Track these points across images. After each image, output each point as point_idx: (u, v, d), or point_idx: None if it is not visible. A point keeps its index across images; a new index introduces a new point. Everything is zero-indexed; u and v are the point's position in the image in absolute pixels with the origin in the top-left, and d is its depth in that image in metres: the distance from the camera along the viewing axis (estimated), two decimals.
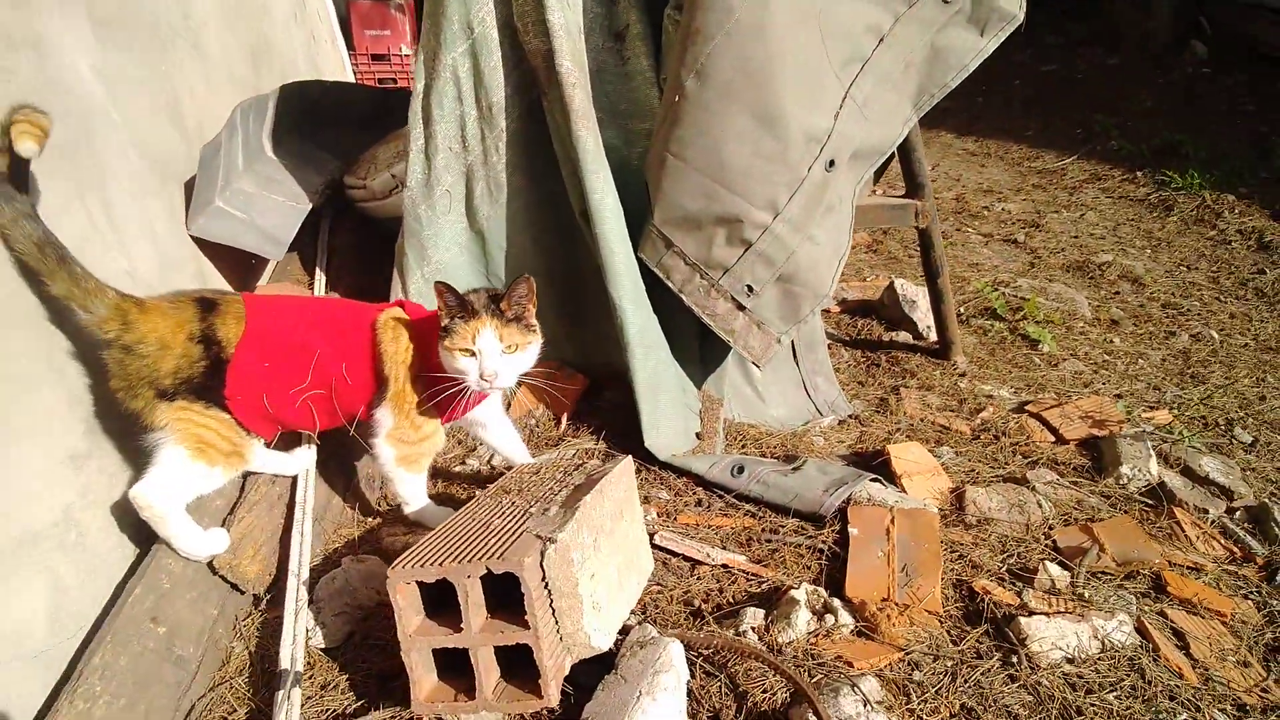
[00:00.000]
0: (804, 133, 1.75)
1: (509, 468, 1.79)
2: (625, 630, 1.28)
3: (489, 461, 1.92)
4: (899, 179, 2.34)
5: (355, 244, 2.57)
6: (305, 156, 2.63)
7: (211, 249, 2.01)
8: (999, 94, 5.43)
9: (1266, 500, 1.83)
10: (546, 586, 1.11)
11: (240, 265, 2.21)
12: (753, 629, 1.35)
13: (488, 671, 1.13)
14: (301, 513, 1.50)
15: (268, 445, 1.48)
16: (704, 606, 1.44)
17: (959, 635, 1.38)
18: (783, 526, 1.66)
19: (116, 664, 1.15)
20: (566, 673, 1.15)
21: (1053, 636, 1.36)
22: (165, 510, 1.29)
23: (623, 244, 1.83)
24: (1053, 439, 2.04)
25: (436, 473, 1.82)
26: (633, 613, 1.37)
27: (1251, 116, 4.68)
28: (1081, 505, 1.79)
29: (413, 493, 1.56)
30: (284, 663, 1.23)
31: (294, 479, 1.60)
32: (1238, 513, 1.82)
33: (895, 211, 2.20)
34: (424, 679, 1.15)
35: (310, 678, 1.27)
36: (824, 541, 1.60)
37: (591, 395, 2.08)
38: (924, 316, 2.57)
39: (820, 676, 1.24)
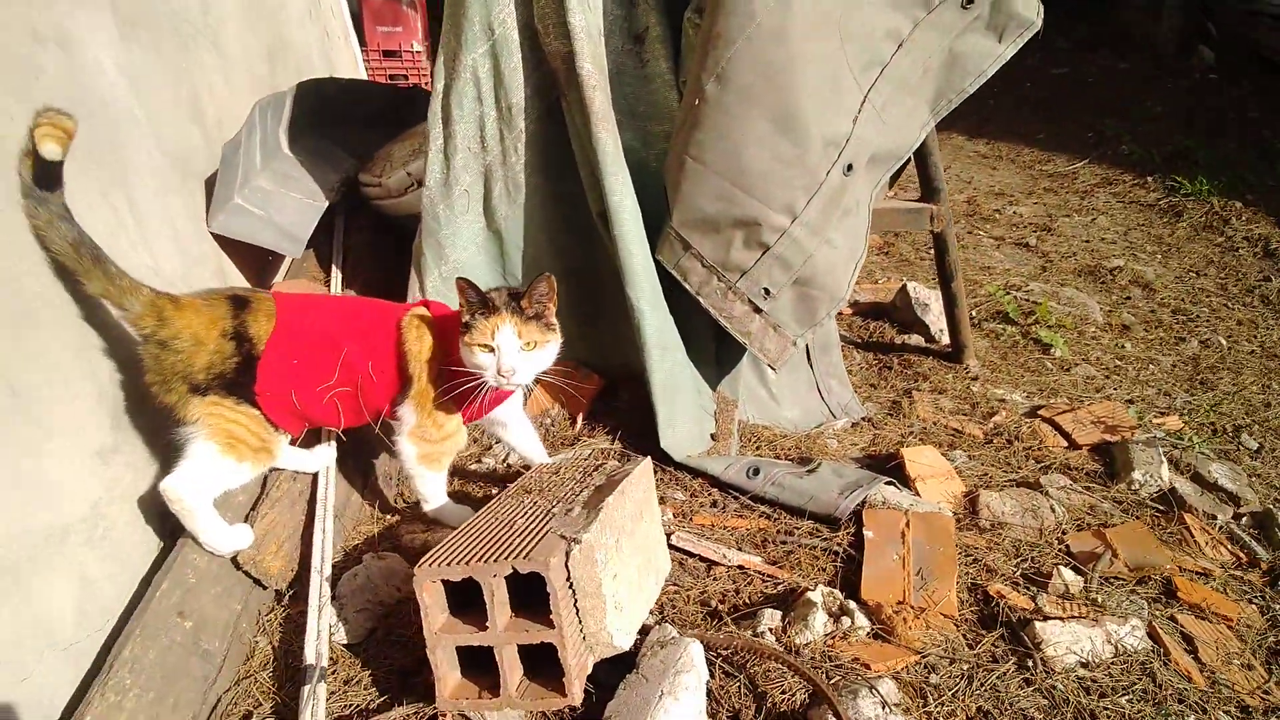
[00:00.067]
0: (823, 137, 1.76)
1: (526, 467, 1.81)
2: (645, 630, 1.29)
3: (505, 460, 1.94)
4: (909, 180, 2.35)
5: (370, 241, 2.59)
6: (321, 154, 2.64)
7: (230, 246, 2.03)
8: (1010, 97, 5.43)
9: (1271, 506, 1.85)
10: (571, 586, 1.12)
11: (257, 262, 2.22)
12: (770, 630, 1.37)
13: (512, 669, 1.14)
14: (323, 509, 1.52)
15: (293, 442, 1.50)
16: (720, 607, 1.46)
17: (974, 639, 1.39)
18: (798, 528, 1.67)
19: (145, 657, 1.17)
20: (589, 671, 1.17)
21: (1067, 641, 1.37)
22: (194, 504, 1.31)
23: (641, 246, 1.84)
24: (1065, 444, 2.05)
25: (453, 471, 1.84)
26: (651, 613, 1.38)
27: (1257, 123, 4.69)
28: (1094, 510, 1.80)
29: (433, 491, 1.57)
30: (309, 658, 1.25)
31: (314, 476, 1.61)
32: (1244, 518, 1.83)
33: (911, 215, 2.21)
34: (448, 676, 1.16)
35: (334, 673, 1.28)
36: (839, 544, 1.61)
37: (607, 395, 2.10)
38: (936, 319, 2.58)
39: (838, 678, 1.25)
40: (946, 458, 1.90)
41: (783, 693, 1.23)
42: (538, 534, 1.19)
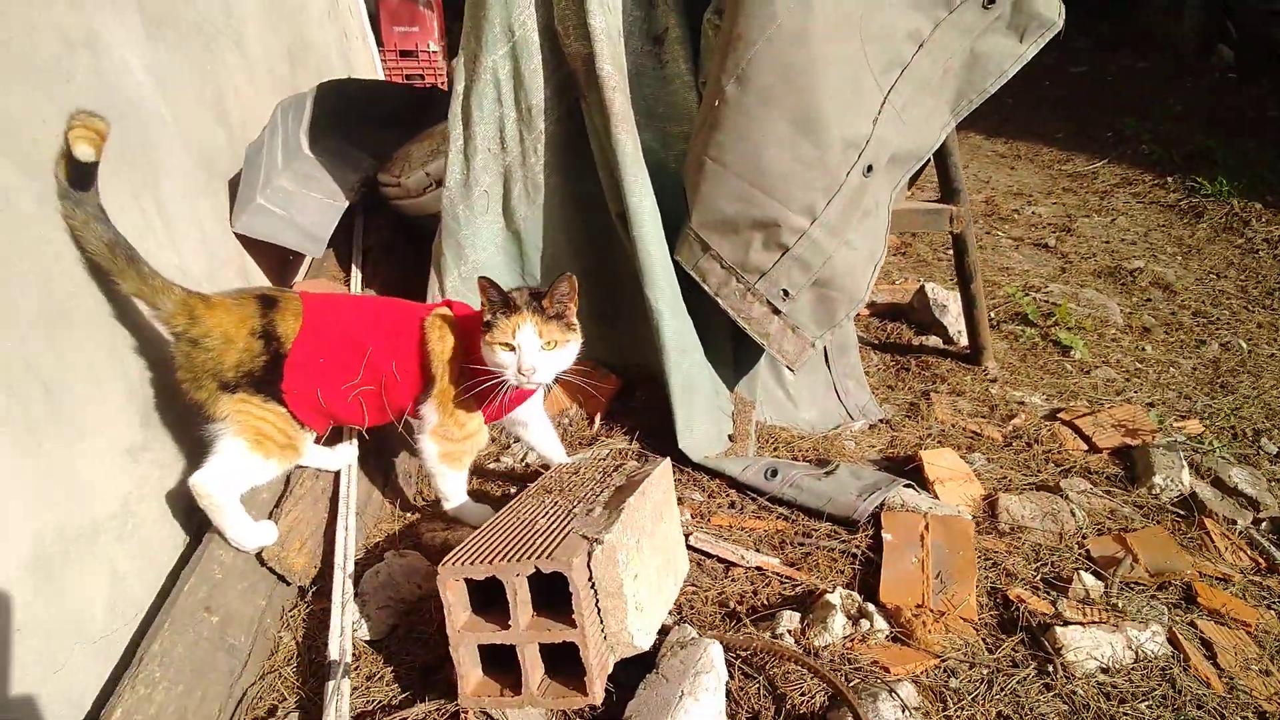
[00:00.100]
0: (843, 138, 1.76)
1: (544, 466, 1.82)
2: (664, 630, 1.30)
3: (523, 459, 1.95)
4: (926, 181, 2.34)
5: (389, 241, 2.61)
6: (340, 154, 2.66)
7: (253, 245, 2.05)
8: (1029, 96, 5.39)
9: None
10: (593, 586, 1.13)
11: (278, 262, 2.25)
12: (789, 632, 1.37)
13: (534, 668, 1.15)
14: (345, 507, 1.54)
15: (318, 440, 1.52)
16: (739, 608, 1.46)
17: (994, 643, 1.39)
18: (816, 530, 1.67)
19: (174, 651, 1.19)
20: (610, 671, 1.17)
21: (1088, 646, 1.37)
22: (222, 500, 1.33)
23: (660, 246, 1.84)
24: (1085, 447, 2.04)
25: (471, 469, 1.85)
26: (669, 613, 1.39)
27: (1277, 123, 4.64)
28: (1115, 515, 1.79)
29: (453, 489, 1.59)
30: (333, 654, 1.26)
31: (336, 474, 1.63)
32: (1263, 523, 1.82)
33: (930, 216, 2.20)
34: (471, 673, 1.17)
35: (357, 669, 1.30)
36: (857, 546, 1.61)
37: (624, 395, 2.11)
38: (955, 321, 2.57)
39: (857, 681, 1.25)
40: (965, 460, 1.90)
41: (802, 694, 1.23)
42: (559, 534, 1.20)
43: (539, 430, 1.68)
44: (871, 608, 1.41)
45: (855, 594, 1.46)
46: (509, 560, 1.13)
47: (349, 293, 2.25)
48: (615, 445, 1.93)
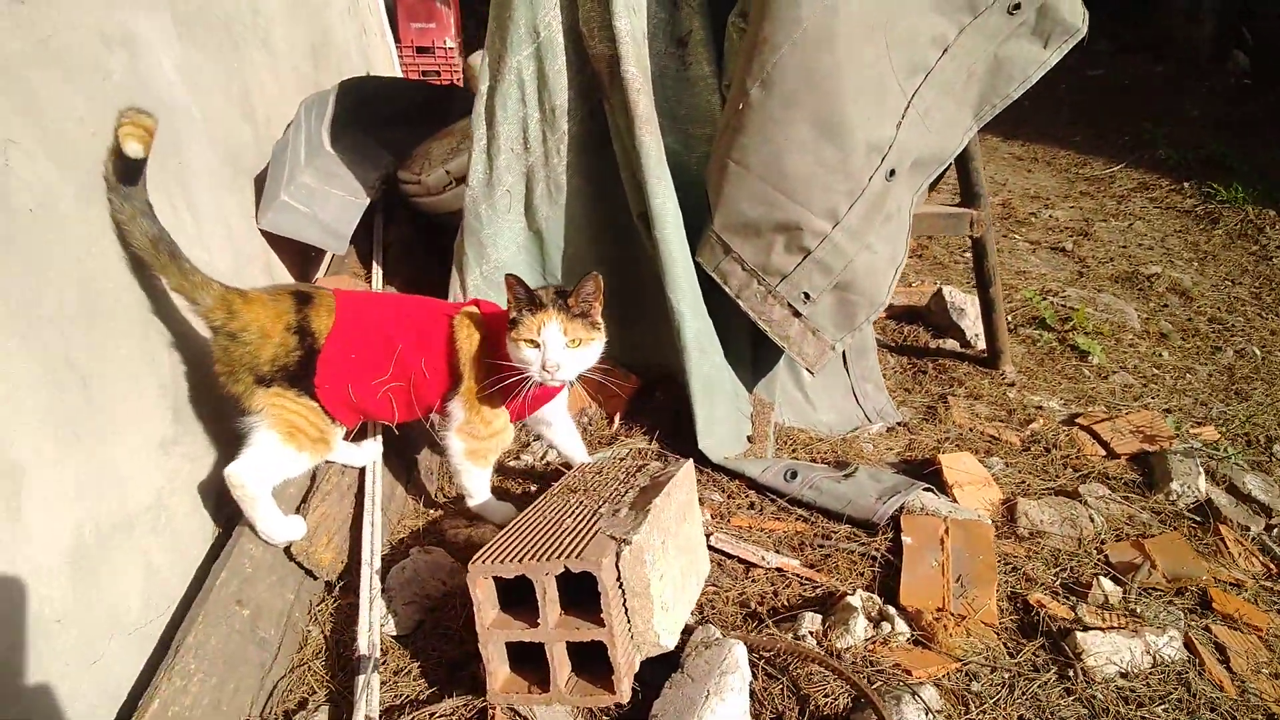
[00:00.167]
0: (866, 142, 1.76)
1: (564, 464, 1.83)
2: (688, 630, 1.31)
3: (543, 457, 1.97)
4: (943, 183, 2.34)
5: (408, 238, 2.62)
6: (361, 151, 2.68)
7: (276, 242, 2.07)
8: (1046, 98, 5.36)
9: None
10: (621, 586, 1.14)
11: (300, 258, 2.27)
12: (811, 633, 1.38)
13: (561, 666, 1.17)
14: (371, 503, 1.56)
15: (347, 435, 1.54)
16: (759, 609, 1.47)
17: (1015, 648, 1.40)
18: (835, 532, 1.68)
19: (208, 644, 1.21)
20: (636, 670, 1.19)
21: (1107, 651, 1.38)
22: (256, 491, 1.35)
23: (682, 249, 1.85)
24: (1103, 453, 2.04)
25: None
26: (691, 613, 1.40)
27: None
28: (1133, 520, 1.79)
29: (477, 486, 1.61)
30: (362, 649, 1.28)
31: (361, 470, 1.65)
32: (1275, 529, 1.83)
33: (950, 220, 2.21)
34: (499, 670, 1.19)
35: (384, 664, 1.32)
36: (877, 549, 1.62)
37: (643, 395, 2.12)
38: (972, 324, 2.57)
39: (880, 683, 1.26)
40: (984, 464, 1.90)
41: (826, 696, 1.24)
42: (587, 534, 1.21)
43: (562, 429, 1.70)
44: (892, 610, 1.43)
45: (876, 597, 1.47)
46: (538, 559, 1.15)
47: (371, 290, 2.27)
48: (635, 445, 1.95)
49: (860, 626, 1.37)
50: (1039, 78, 1.84)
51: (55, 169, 1.20)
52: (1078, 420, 2.16)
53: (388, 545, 1.60)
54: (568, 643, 1.17)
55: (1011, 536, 1.70)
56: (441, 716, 1.21)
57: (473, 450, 1.54)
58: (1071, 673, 1.34)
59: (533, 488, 1.86)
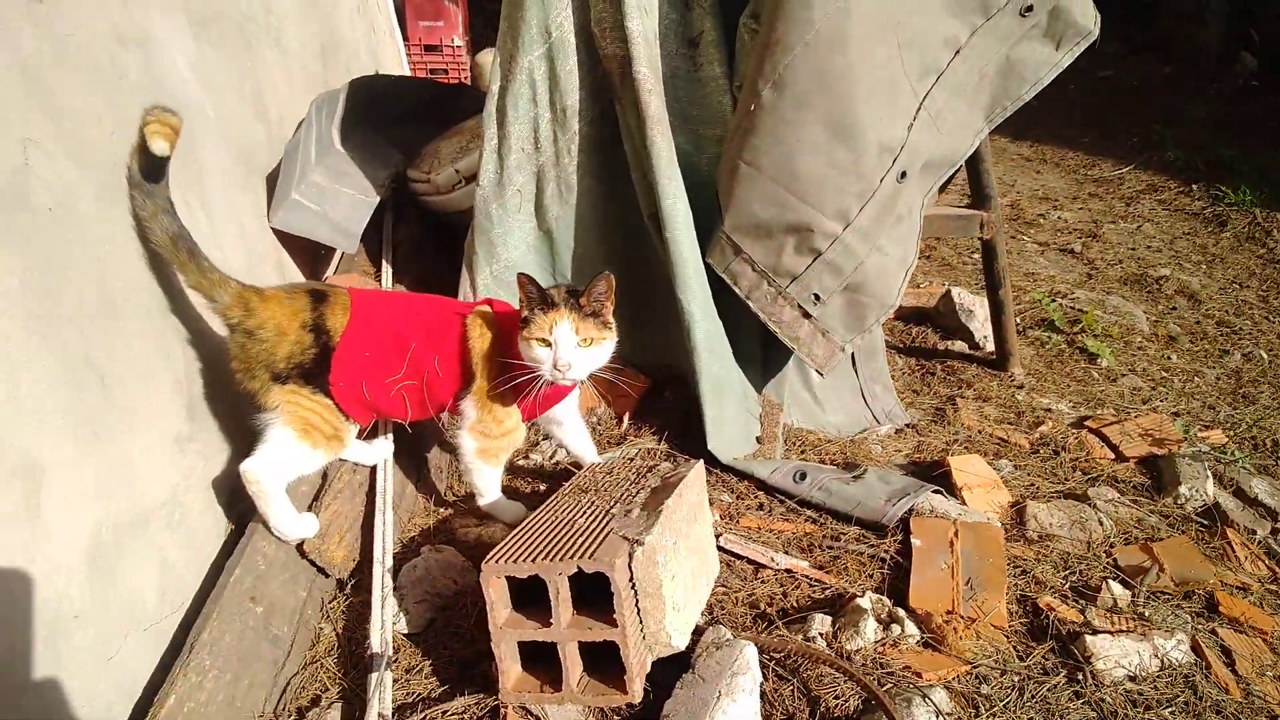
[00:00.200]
0: (878, 144, 1.76)
1: (573, 464, 1.84)
2: (698, 631, 1.32)
3: (551, 456, 1.97)
4: (952, 185, 2.34)
5: (417, 237, 2.63)
6: (370, 149, 2.69)
7: (287, 240, 2.08)
8: (1055, 99, 5.34)
9: None
10: (634, 587, 1.15)
11: (311, 256, 2.28)
12: (821, 635, 1.38)
13: (573, 665, 1.17)
14: (383, 502, 1.56)
15: (360, 433, 1.54)
16: (769, 610, 1.48)
17: (1025, 651, 1.40)
18: (844, 534, 1.69)
19: (222, 640, 1.22)
20: (648, 670, 1.19)
21: (1117, 655, 1.38)
22: (270, 486, 1.36)
23: (692, 249, 1.86)
24: (1112, 456, 2.04)
25: None
26: (701, 614, 1.41)
27: None
28: (1141, 524, 1.79)
29: (488, 485, 1.61)
30: (375, 647, 1.29)
31: (372, 469, 1.66)
32: None
33: (960, 222, 2.21)
34: (511, 669, 1.20)
35: (396, 662, 1.33)
36: (886, 551, 1.62)
37: (652, 395, 2.12)
38: (981, 326, 2.57)
39: (890, 685, 1.27)
40: (992, 467, 1.90)
41: (836, 698, 1.24)
42: (599, 534, 1.22)
43: (573, 429, 1.71)
44: (902, 613, 1.43)
45: (885, 599, 1.47)
46: (551, 559, 1.15)
47: (381, 288, 2.28)
48: (643, 445, 1.95)
49: (870, 628, 1.37)
50: (1050, 80, 1.85)
51: (75, 168, 1.21)
52: (1087, 423, 2.16)
53: (398, 543, 1.60)
54: (579, 642, 1.18)
55: (1021, 539, 1.70)
56: (454, 714, 1.22)
57: (484, 449, 1.55)
58: (1081, 676, 1.34)
59: (542, 487, 1.87)
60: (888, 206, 1.82)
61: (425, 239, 2.64)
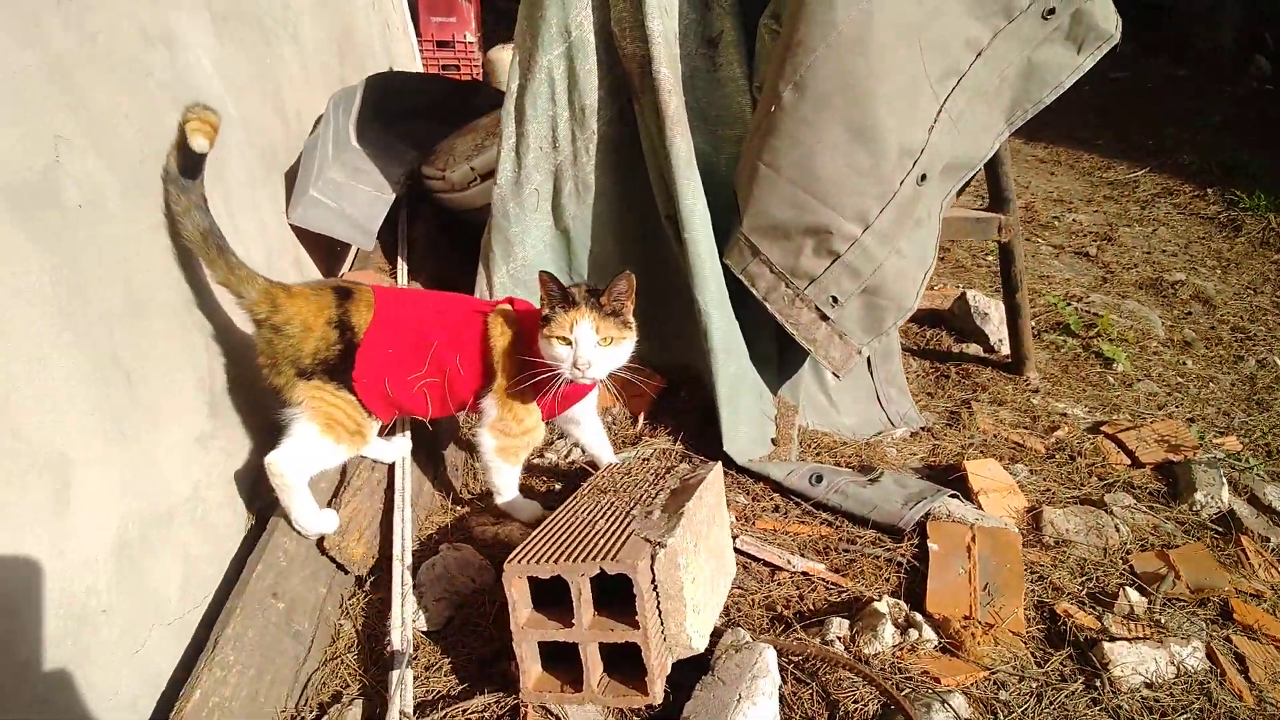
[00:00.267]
0: (899, 146, 1.76)
1: (588, 463, 1.84)
2: (716, 633, 1.32)
3: (566, 455, 1.98)
4: (968, 188, 2.33)
5: (431, 234, 2.64)
6: (386, 146, 2.69)
7: (304, 236, 2.09)
8: (1070, 100, 5.29)
9: None
10: (655, 589, 1.15)
11: (327, 253, 2.28)
12: (839, 639, 1.39)
13: (594, 666, 1.18)
14: (402, 499, 1.57)
15: (382, 429, 1.55)
16: (786, 612, 1.48)
17: (1043, 657, 1.40)
18: (860, 537, 1.69)
19: (246, 635, 1.22)
20: (669, 672, 1.20)
21: (1133, 662, 1.38)
22: (294, 480, 1.37)
23: (710, 250, 1.86)
24: (1128, 462, 2.03)
25: None
26: (718, 616, 1.41)
27: None
28: (1158, 530, 1.79)
29: (506, 483, 1.62)
30: (395, 644, 1.30)
31: (390, 466, 1.66)
32: None
33: (979, 225, 2.20)
34: (532, 669, 1.20)
35: (416, 659, 1.33)
36: (902, 555, 1.62)
37: (667, 395, 2.12)
38: (996, 329, 2.56)
39: (909, 691, 1.27)
40: (1008, 471, 1.90)
41: (855, 702, 1.25)
42: (620, 535, 1.22)
43: (590, 429, 1.71)
44: (919, 617, 1.43)
45: (902, 603, 1.47)
46: (574, 560, 1.16)
47: (396, 285, 2.29)
48: (659, 445, 1.96)
49: (888, 633, 1.38)
50: (1071, 84, 1.84)
51: (105, 167, 1.22)
52: (1102, 428, 2.15)
53: (416, 541, 1.61)
54: (600, 644, 1.18)
55: (1037, 545, 1.70)
56: (474, 713, 1.22)
57: (504, 447, 1.55)
58: (1098, 683, 1.34)
59: (557, 486, 1.87)
60: (907, 209, 1.81)
61: (439, 236, 2.65)
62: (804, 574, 1.58)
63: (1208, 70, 5.62)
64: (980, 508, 1.75)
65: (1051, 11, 1.78)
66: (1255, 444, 2.23)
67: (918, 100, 1.77)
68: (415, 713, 1.22)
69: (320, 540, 1.45)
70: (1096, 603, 1.55)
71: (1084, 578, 1.61)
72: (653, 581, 1.15)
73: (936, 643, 1.39)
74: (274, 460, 1.36)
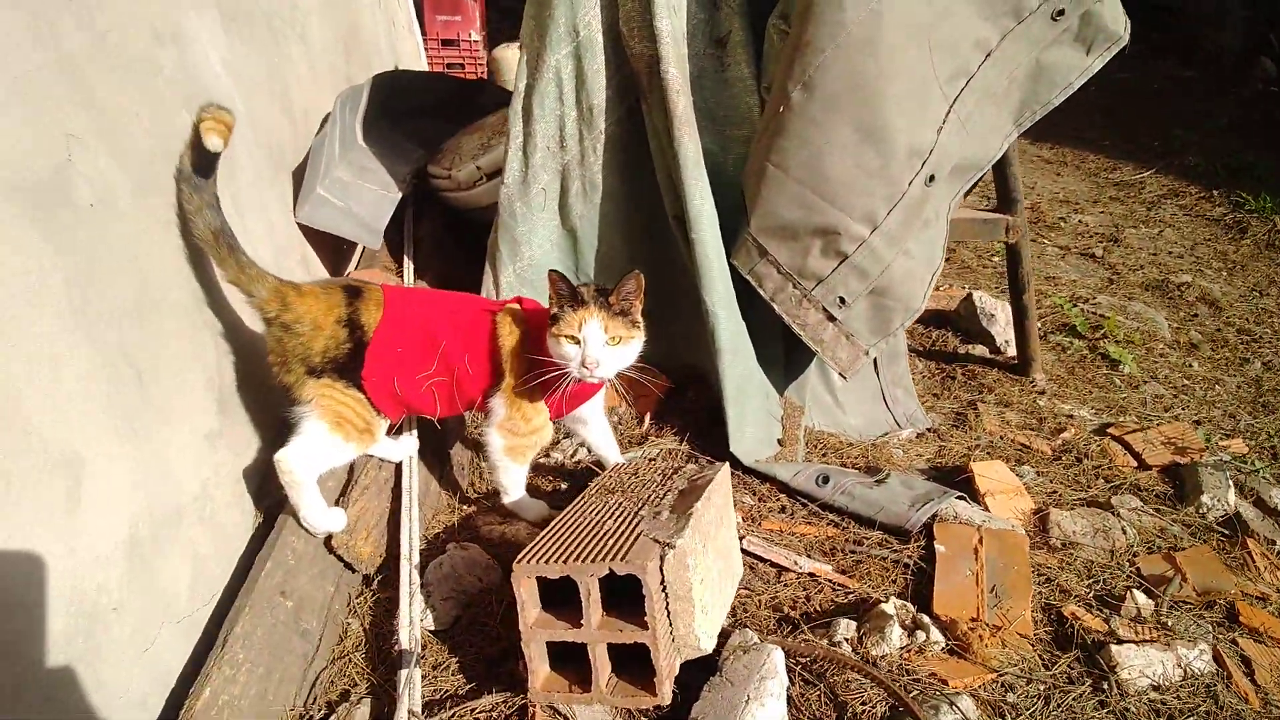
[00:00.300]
0: (907, 147, 1.75)
1: (595, 463, 1.85)
2: (723, 634, 1.32)
3: (573, 455, 1.98)
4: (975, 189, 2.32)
5: (437, 233, 2.64)
6: (392, 145, 2.69)
7: (310, 234, 2.09)
8: (1075, 101, 5.28)
9: None
10: (664, 590, 1.15)
11: (333, 251, 2.29)
12: (846, 640, 1.39)
13: (603, 666, 1.18)
14: (409, 498, 1.57)
15: (390, 428, 1.56)
16: (792, 613, 1.48)
17: (1050, 660, 1.40)
18: (867, 538, 1.69)
19: (255, 634, 1.23)
20: (676, 673, 1.20)
21: (1141, 664, 1.38)
22: (303, 477, 1.37)
23: (717, 250, 1.85)
24: (1135, 464, 2.03)
25: None
26: (725, 617, 1.41)
27: None
28: (1164, 533, 1.79)
29: (514, 483, 1.62)
30: (404, 643, 1.30)
31: (398, 465, 1.67)
32: None
33: (986, 225, 2.20)
34: (540, 669, 1.20)
35: (424, 658, 1.33)
36: (909, 556, 1.62)
37: (673, 395, 2.12)
38: (1002, 330, 2.56)
39: (916, 692, 1.27)
40: (1015, 473, 1.90)
41: (863, 704, 1.25)
42: (629, 536, 1.22)
43: (597, 429, 1.71)
44: (926, 619, 1.43)
45: (909, 604, 1.47)
46: (583, 561, 1.16)
47: (403, 284, 2.29)
48: (665, 445, 1.96)
49: (895, 634, 1.38)
50: (1080, 85, 1.84)
51: (116, 166, 1.22)
52: (1109, 430, 2.15)
53: (423, 540, 1.61)
54: (609, 644, 1.18)
55: (1044, 547, 1.69)
56: (482, 712, 1.23)
57: (512, 447, 1.56)
58: (1106, 685, 1.34)
59: (563, 485, 1.88)
60: (915, 210, 1.81)
61: (445, 235, 2.65)
62: (811, 575, 1.58)
63: (1214, 72, 5.61)
64: (987, 509, 1.75)
65: (1061, 13, 1.77)
66: (1261, 446, 2.23)
67: (927, 101, 1.76)
68: (423, 712, 1.22)
69: (328, 539, 1.46)
70: (1104, 605, 1.55)
71: (1091, 580, 1.61)
72: (662, 582, 1.15)
73: (944, 644, 1.39)
74: (283, 457, 1.37)
